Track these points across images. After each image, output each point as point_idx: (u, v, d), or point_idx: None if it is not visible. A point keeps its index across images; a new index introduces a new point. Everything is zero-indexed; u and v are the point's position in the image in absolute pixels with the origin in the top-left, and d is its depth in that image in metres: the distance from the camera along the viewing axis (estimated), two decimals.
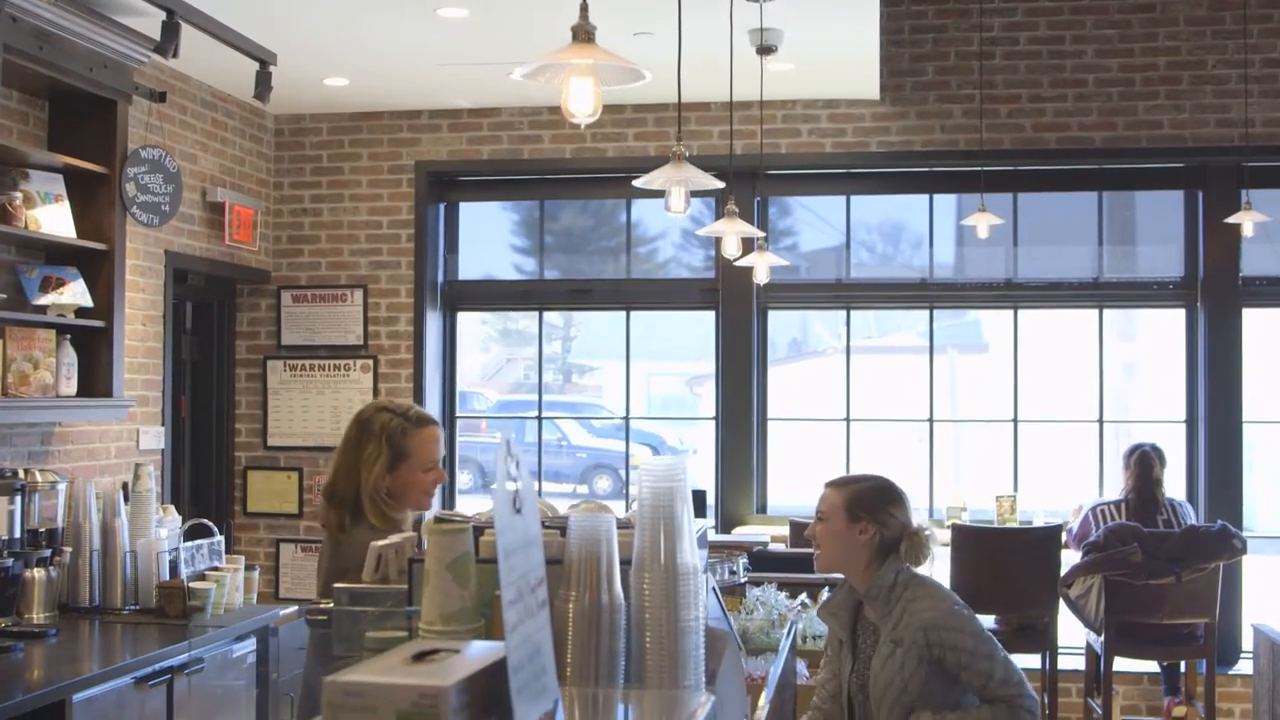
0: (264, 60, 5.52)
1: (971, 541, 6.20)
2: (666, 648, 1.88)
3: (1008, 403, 7.23)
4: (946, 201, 7.34)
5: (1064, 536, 6.33)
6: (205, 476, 7.06)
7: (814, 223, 7.62)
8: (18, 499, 4.61)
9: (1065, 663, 6.49)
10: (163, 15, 4.82)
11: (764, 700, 2.82)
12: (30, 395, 4.76)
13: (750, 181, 6.78)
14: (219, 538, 5.27)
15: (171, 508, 5.30)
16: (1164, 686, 6.59)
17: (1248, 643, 6.36)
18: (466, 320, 7.86)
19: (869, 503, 3.28)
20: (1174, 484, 6.63)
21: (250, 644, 4.87)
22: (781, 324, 7.78)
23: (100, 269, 5.16)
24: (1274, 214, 6.37)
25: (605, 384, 8.70)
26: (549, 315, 7.86)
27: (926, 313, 7.32)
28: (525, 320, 8.03)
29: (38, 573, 4.59)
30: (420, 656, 1.51)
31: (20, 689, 3.72)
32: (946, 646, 3.13)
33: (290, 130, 7.36)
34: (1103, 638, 6.06)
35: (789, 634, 3.34)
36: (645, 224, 7.65)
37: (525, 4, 5.30)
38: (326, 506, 3.34)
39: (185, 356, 6.83)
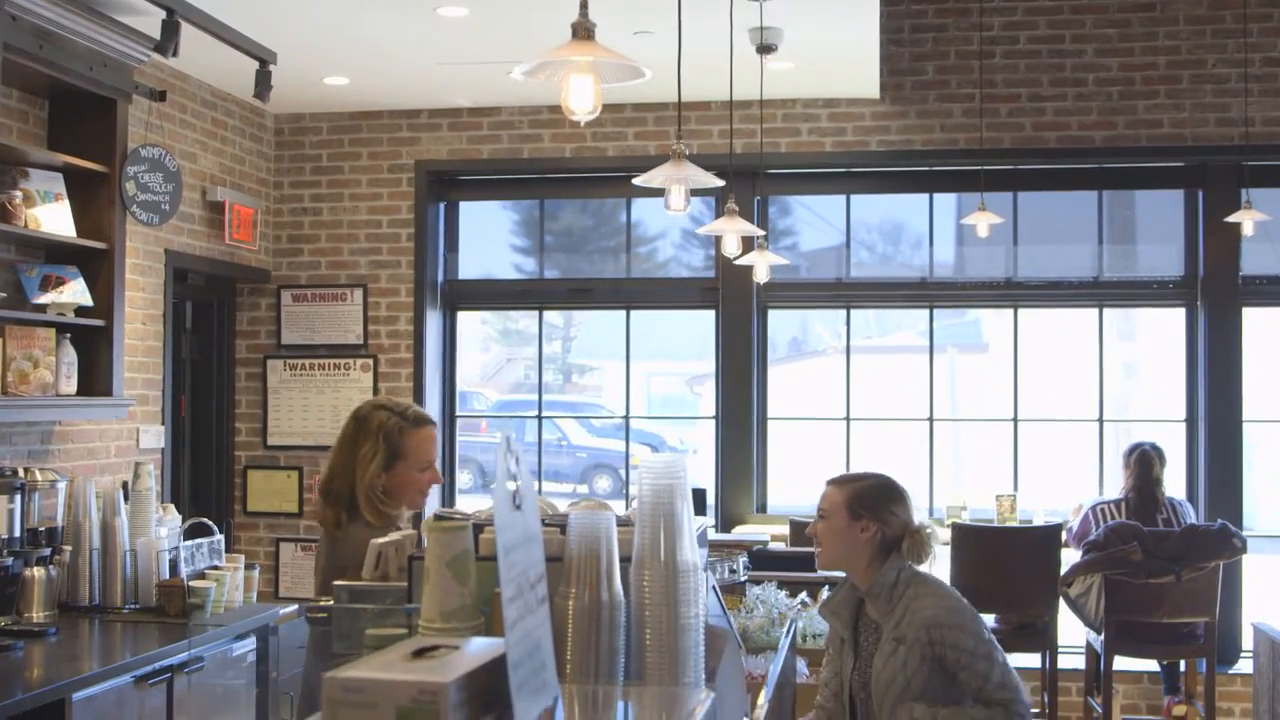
0: (264, 59, 5.52)
1: (971, 540, 6.20)
2: (666, 645, 1.88)
3: (1008, 402, 7.23)
4: (946, 200, 7.34)
5: (1064, 535, 6.33)
6: (205, 476, 7.06)
7: (814, 222, 7.62)
8: (17, 498, 4.61)
9: (1065, 662, 6.48)
10: (162, 14, 4.82)
11: (763, 698, 2.82)
12: (30, 394, 4.76)
13: (750, 180, 6.78)
14: (219, 537, 5.28)
15: (171, 507, 5.30)
16: (1164, 686, 6.59)
17: (1248, 642, 6.36)
18: (466, 320, 7.86)
19: (871, 501, 3.28)
20: (1174, 483, 6.63)
21: (250, 643, 4.87)
22: (781, 323, 7.78)
23: (100, 268, 5.16)
24: (1274, 213, 6.37)
25: (605, 384, 8.70)
26: (549, 315, 7.86)
27: (926, 312, 7.32)
28: (525, 320, 8.03)
29: (37, 571, 4.59)
30: (420, 653, 1.51)
31: (20, 688, 3.72)
32: (947, 645, 3.13)
33: (290, 129, 7.36)
34: (1103, 637, 6.06)
35: (789, 632, 3.33)
36: (645, 224, 7.65)
37: (525, 3, 5.30)
38: (323, 503, 3.35)
39: (185, 356, 6.83)
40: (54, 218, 5.01)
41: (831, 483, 3.37)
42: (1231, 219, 6.26)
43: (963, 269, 7.40)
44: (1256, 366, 6.96)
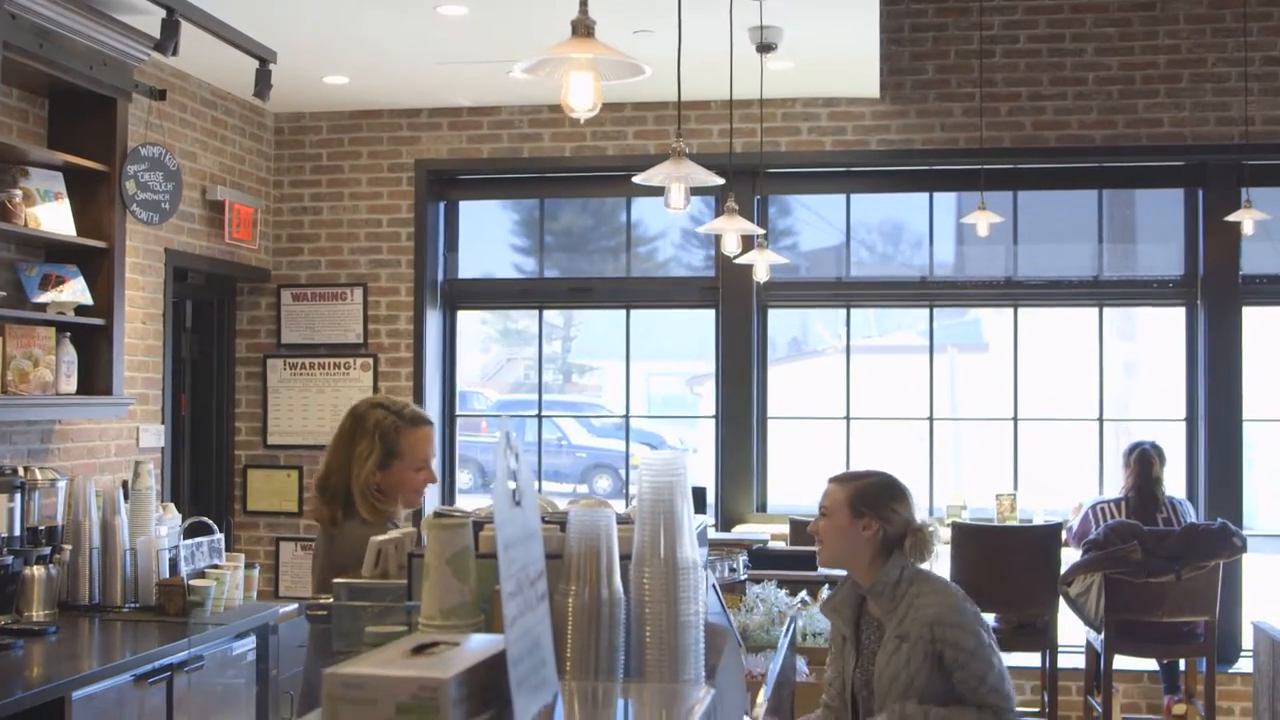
0: (264, 58, 5.52)
1: (971, 540, 6.20)
2: (666, 642, 1.88)
3: (1008, 401, 7.23)
4: (946, 200, 7.34)
5: (1064, 535, 6.33)
6: (205, 475, 7.06)
7: (814, 222, 7.62)
8: (17, 496, 4.61)
9: (1065, 661, 6.48)
10: (162, 13, 4.82)
11: (763, 697, 2.82)
12: (30, 393, 4.76)
13: (750, 180, 6.78)
14: (219, 535, 5.28)
15: (171, 506, 5.30)
16: (1163, 685, 6.60)
17: (1248, 641, 6.36)
18: (466, 319, 7.86)
19: (873, 498, 3.28)
20: (1174, 482, 6.63)
21: (250, 641, 4.87)
22: (781, 323, 7.78)
23: (100, 267, 5.16)
24: (1274, 212, 6.37)
25: (605, 384, 8.69)
26: (549, 315, 7.86)
27: (926, 312, 7.32)
28: (525, 320, 8.02)
29: (37, 570, 4.59)
30: (420, 649, 1.51)
31: (20, 686, 3.72)
32: (947, 643, 3.13)
33: (290, 128, 7.35)
34: (1103, 636, 6.06)
35: (788, 631, 3.33)
36: (645, 224, 7.65)
37: (525, 1, 5.30)
38: (319, 500, 3.35)
39: (185, 355, 6.83)
40: (54, 216, 5.01)
41: (834, 480, 3.37)
42: (1231, 218, 6.26)
43: (963, 268, 7.40)
44: (1256, 366, 6.96)
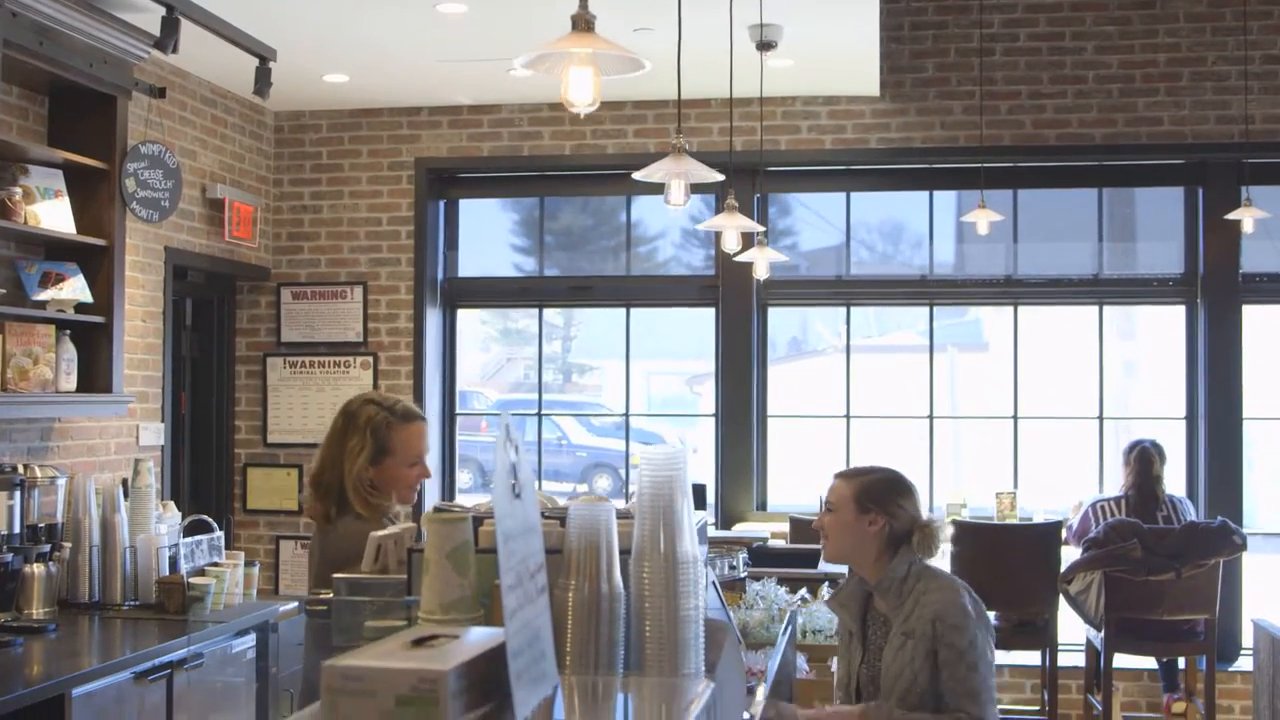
0: (264, 56, 5.52)
1: (971, 538, 6.20)
2: (666, 636, 1.88)
3: (1008, 399, 7.23)
4: (946, 198, 7.34)
5: (1064, 533, 6.33)
6: (205, 473, 7.06)
7: (814, 222, 7.62)
8: (17, 494, 4.61)
9: (1065, 659, 6.48)
10: (162, 11, 4.82)
11: (762, 693, 2.82)
12: (30, 390, 4.76)
13: (750, 178, 6.77)
14: (219, 533, 5.27)
15: (171, 504, 5.30)
16: (1163, 683, 6.59)
17: (1248, 639, 6.36)
18: (466, 319, 7.86)
19: (878, 494, 3.28)
20: (1174, 480, 6.63)
21: (250, 639, 4.87)
22: (781, 322, 7.78)
23: (100, 265, 5.16)
24: (1274, 210, 6.37)
25: (605, 383, 8.69)
26: (549, 314, 7.86)
27: (926, 311, 7.32)
28: (525, 320, 8.02)
29: (37, 568, 4.59)
30: (419, 642, 1.51)
31: (20, 683, 3.72)
32: (943, 641, 3.12)
33: (290, 127, 7.35)
34: (1103, 634, 6.06)
35: (787, 628, 3.33)
36: (645, 223, 7.65)
37: None
38: (313, 496, 3.35)
39: (185, 353, 6.83)
40: (54, 214, 5.01)
41: (839, 476, 3.36)
42: (1231, 216, 6.26)
43: (963, 267, 7.40)
44: (1256, 364, 6.96)
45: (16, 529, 4.60)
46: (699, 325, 7.51)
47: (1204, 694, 6.10)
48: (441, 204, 7.52)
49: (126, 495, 5.00)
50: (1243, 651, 6.73)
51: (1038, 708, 6.63)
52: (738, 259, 6.02)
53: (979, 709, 3.09)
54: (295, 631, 4.91)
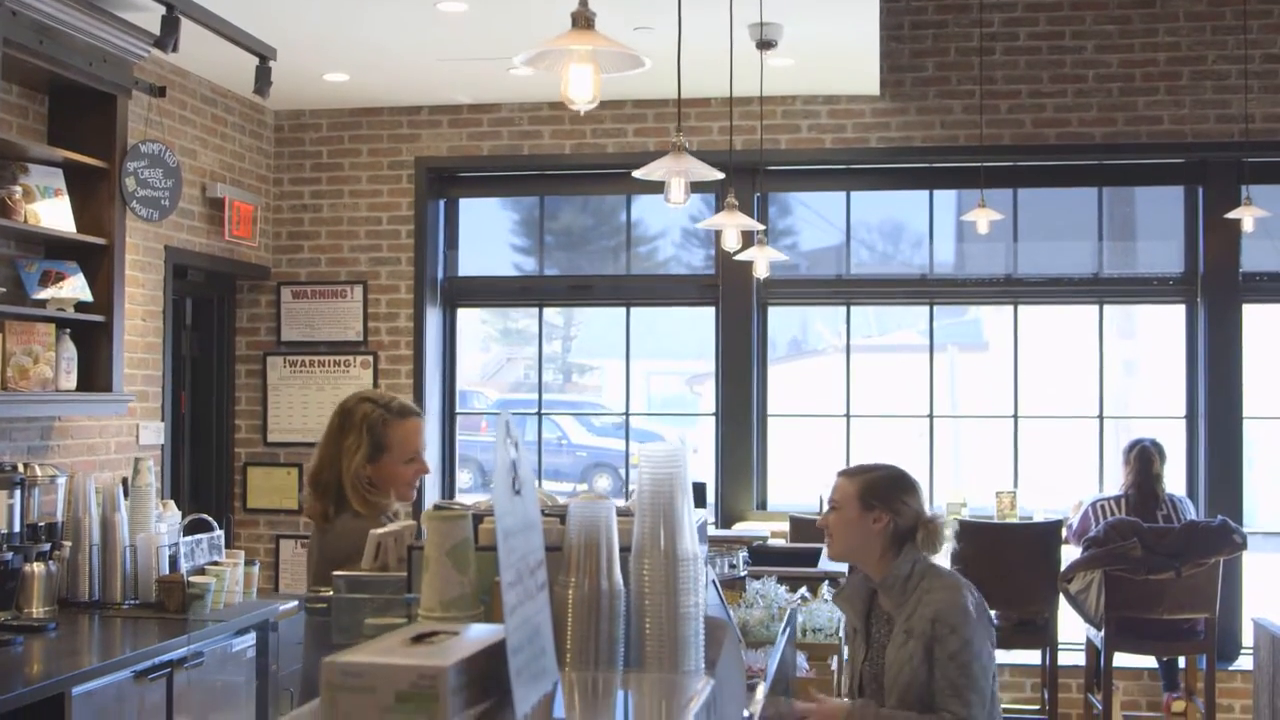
0: (264, 55, 5.52)
1: (971, 537, 6.20)
2: (666, 634, 1.88)
3: (1008, 398, 7.23)
4: (946, 197, 7.34)
5: (1064, 532, 6.33)
6: (205, 472, 7.06)
7: (814, 221, 7.62)
8: (17, 493, 4.61)
9: (1065, 658, 6.48)
10: (162, 10, 4.83)
11: (762, 691, 2.82)
12: (30, 389, 4.76)
13: (750, 177, 6.77)
14: (219, 532, 5.27)
15: (171, 503, 5.29)
16: (1163, 682, 6.59)
17: (1248, 638, 6.36)
18: (466, 319, 7.86)
19: (882, 491, 3.27)
20: (1174, 479, 6.63)
21: (250, 638, 4.87)
22: (781, 322, 7.78)
23: (100, 263, 5.16)
24: (1274, 209, 6.37)
25: (605, 384, 8.68)
26: (549, 314, 7.86)
27: (926, 310, 7.32)
28: (525, 320, 8.02)
29: (37, 567, 4.59)
30: (419, 638, 1.51)
31: (20, 682, 3.72)
32: (938, 639, 3.11)
33: (290, 126, 7.35)
34: (1103, 633, 6.06)
35: (786, 626, 3.33)
36: (645, 223, 7.64)
37: None
38: (311, 495, 3.35)
39: (185, 352, 6.83)
40: (54, 213, 5.01)
41: (843, 474, 3.36)
42: (1231, 215, 6.26)
43: (963, 266, 7.40)
44: (1256, 363, 6.96)
45: (16, 528, 4.60)
46: (699, 325, 7.51)
47: (1204, 693, 6.10)
48: (441, 203, 7.52)
49: (126, 494, 4.99)
50: (1243, 651, 6.72)
51: (1038, 707, 6.63)
52: (738, 258, 6.02)
53: (965, 710, 3.07)
54: (295, 630, 4.91)
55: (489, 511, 2.07)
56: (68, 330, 5.00)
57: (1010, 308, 7.28)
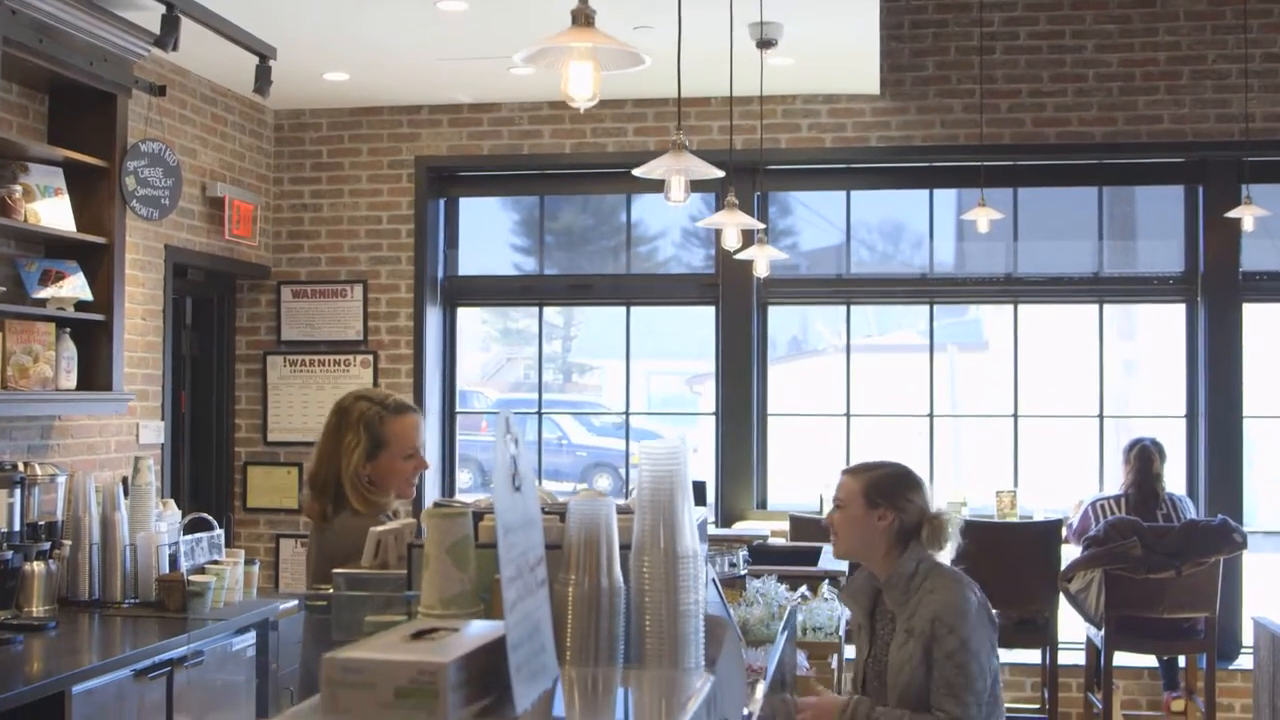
0: (264, 55, 5.52)
1: (972, 536, 6.13)
2: (666, 631, 1.87)
3: (1008, 398, 7.23)
4: (946, 197, 7.34)
5: (1064, 531, 6.33)
6: (205, 472, 7.06)
7: (814, 221, 7.62)
8: (17, 492, 4.61)
9: (1065, 657, 6.48)
10: (162, 9, 4.82)
11: (761, 690, 2.82)
12: (30, 388, 4.76)
13: (750, 177, 6.77)
14: (219, 532, 5.27)
15: (171, 502, 5.29)
16: (1163, 681, 6.59)
17: (1248, 637, 6.36)
18: (467, 319, 7.86)
19: (887, 489, 3.27)
20: (1174, 479, 6.63)
21: (250, 637, 4.87)
22: (781, 322, 7.78)
23: (100, 262, 5.16)
24: (1274, 209, 6.37)
25: (605, 384, 8.68)
26: (549, 314, 7.86)
27: (926, 309, 7.32)
28: (525, 320, 8.02)
29: (37, 565, 4.59)
30: (419, 634, 1.51)
31: (20, 681, 3.72)
32: (936, 639, 3.11)
33: (290, 125, 7.35)
34: (1103, 632, 6.06)
35: (785, 625, 3.33)
36: (645, 223, 7.64)
37: None
38: (310, 495, 3.35)
39: (185, 351, 6.83)
40: (54, 212, 5.01)
41: (847, 472, 3.35)
42: (1231, 215, 6.26)
43: (963, 265, 7.40)
44: (1257, 362, 6.96)
45: (16, 527, 4.60)
46: (699, 325, 7.51)
47: (1204, 692, 6.10)
48: (441, 202, 7.52)
49: (126, 493, 5.00)
50: (1243, 650, 6.72)
51: (1038, 706, 6.63)
52: (738, 256, 6.02)
53: (961, 710, 3.07)
54: (295, 629, 4.91)
55: (489, 509, 2.07)
56: (68, 329, 5.00)
57: (1010, 307, 7.28)
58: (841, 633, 4.15)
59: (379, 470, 3.33)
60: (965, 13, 6.87)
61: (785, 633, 3.24)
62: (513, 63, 2.75)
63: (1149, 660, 6.67)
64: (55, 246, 5.12)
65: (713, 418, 7.32)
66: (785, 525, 6.45)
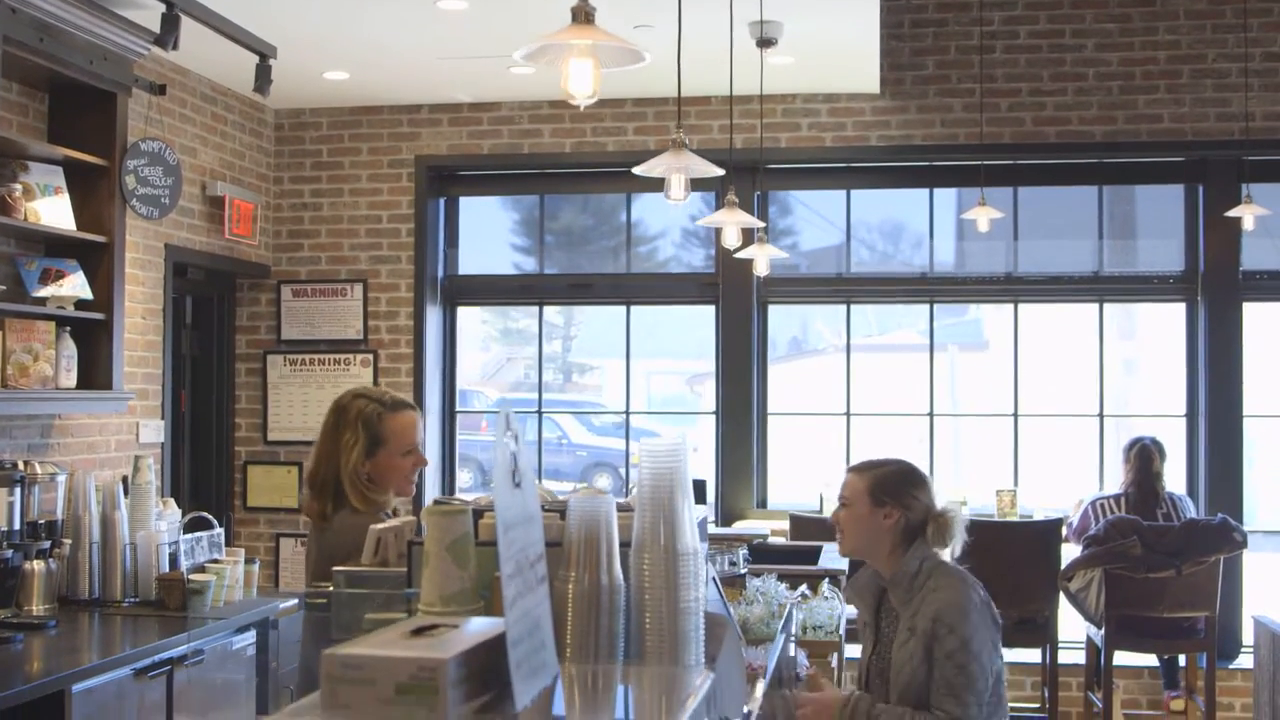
0: (264, 54, 5.51)
1: (971, 535, 6.18)
2: (666, 628, 1.88)
3: (1008, 397, 7.23)
4: (946, 196, 7.33)
5: (1064, 530, 6.33)
6: (205, 471, 7.06)
7: (814, 221, 7.62)
8: (17, 491, 4.61)
9: (1066, 656, 6.48)
10: (162, 8, 4.82)
11: (761, 688, 2.82)
12: (30, 387, 4.75)
13: (750, 176, 6.77)
14: (219, 530, 5.27)
15: (171, 501, 5.29)
16: (1163, 680, 6.59)
17: (1248, 637, 6.36)
18: (467, 318, 7.85)
19: (893, 486, 3.27)
20: (1174, 478, 6.63)
21: (250, 636, 4.87)
22: (782, 322, 7.77)
23: (100, 261, 5.16)
24: (1274, 208, 6.37)
25: (605, 383, 8.68)
26: (549, 313, 7.86)
27: (927, 309, 7.32)
28: (525, 319, 8.02)
29: (37, 564, 4.59)
30: (419, 631, 1.51)
31: (20, 680, 3.72)
32: (936, 638, 3.11)
33: (290, 124, 7.35)
34: (1103, 631, 6.06)
35: (785, 623, 3.33)
36: (645, 223, 7.64)
37: None
38: (310, 495, 3.35)
39: (185, 350, 6.83)
40: (54, 211, 5.01)
41: (852, 470, 3.35)
42: (1232, 214, 6.26)
43: (963, 264, 7.39)
44: (1257, 362, 6.96)
45: (16, 525, 4.60)
46: (699, 324, 7.51)
47: (1204, 691, 6.10)
48: (441, 201, 7.52)
49: (126, 492, 4.99)
50: (1243, 649, 6.72)
51: (1038, 705, 6.63)
52: (738, 255, 6.01)
53: (961, 710, 3.07)
54: (295, 628, 4.91)
55: (489, 507, 2.07)
56: (68, 328, 5.00)
57: (1010, 306, 7.27)
58: (842, 631, 4.14)
59: (378, 468, 3.32)
60: (965, 12, 6.87)
61: (785, 631, 3.24)
62: (513, 61, 2.76)
63: (1149, 659, 6.67)
64: (55, 245, 5.12)
65: (713, 417, 7.32)
66: (785, 524, 6.44)
